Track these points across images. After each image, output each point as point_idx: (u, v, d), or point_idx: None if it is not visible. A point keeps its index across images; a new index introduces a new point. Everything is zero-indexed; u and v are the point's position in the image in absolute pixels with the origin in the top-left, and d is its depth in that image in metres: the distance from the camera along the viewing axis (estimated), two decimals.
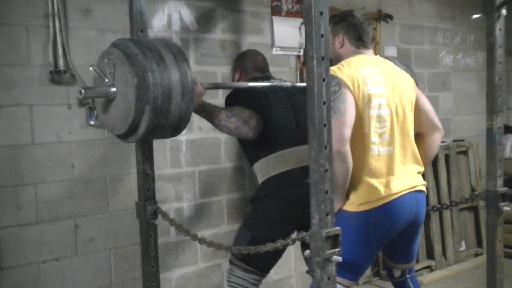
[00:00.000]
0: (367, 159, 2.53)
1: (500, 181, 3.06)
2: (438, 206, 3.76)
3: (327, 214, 1.93)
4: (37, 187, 3.24)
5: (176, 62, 2.24)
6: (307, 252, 1.97)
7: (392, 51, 5.25)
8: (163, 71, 2.17)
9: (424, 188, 2.73)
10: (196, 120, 3.86)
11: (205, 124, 3.91)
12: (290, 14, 4.40)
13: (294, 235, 2.19)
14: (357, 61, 2.62)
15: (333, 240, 1.95)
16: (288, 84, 3.03)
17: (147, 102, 2.13)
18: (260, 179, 3.10)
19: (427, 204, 4.89)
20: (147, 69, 2.12)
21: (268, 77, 3.23)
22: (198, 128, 3.89)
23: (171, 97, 2.19)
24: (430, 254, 5.11)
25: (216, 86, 2.90)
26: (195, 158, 3.88)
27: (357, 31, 2.70)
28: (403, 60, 3.35)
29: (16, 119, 3.16)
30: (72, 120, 3.34)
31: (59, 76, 3.25)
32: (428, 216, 5.08)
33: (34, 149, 3.22)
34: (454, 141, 5.63)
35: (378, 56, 2.83)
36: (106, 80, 2.28)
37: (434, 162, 5.21)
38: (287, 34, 4.38)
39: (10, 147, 3.15)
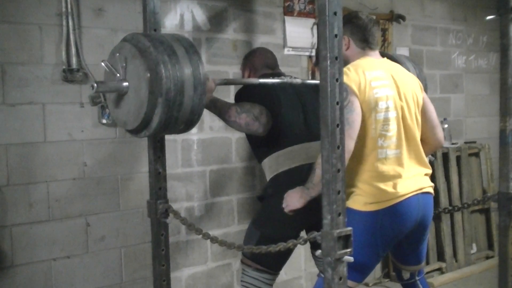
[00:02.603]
0: (374, 162, 2.52)
1: None
2: (449, 208, 3.75)
3: (339, 214, 1.93)
4: (49, 185, 3.26)
5: (188, 55, 2.23)
6: (319, 252, 1.97)
7: (404, 52, 5.23)
8: (175, 64, 2.16)
9: (431, 190, 2.72)
10: (207, 119, 3.87)
11: (216, 124, 3.91)
12: (302, 14, 4.40)
13: (304, 234, 2.19)
14: (363, 64, 2.61)
15: (345, 241, 1.94)
16: (298, 81, 3.01)
17: (159, 95, 2.13)
18: (269, 176, 3.09)
19: (438, 206, 4.92)
20: (159, 62, 2.12)
21: (278, 74, 3.22)
22: (209, 127, 3.90)
23: (184, 90, 2.18)
24: (440, 256, 5.09)
25: (226, 82, 2.89)
26: (206, 157, 3.88)
27: (362, 33, 2.69)
28: (413, 59, 3.34)
29: (28, 117, 3.18)
30: (84, 119, 3.36)
31: (72, 74, 3.27)
32: (439, 218, 5.07)
33: (46, 147, 3.24)
34: (465, 143, 5.60)
35: (385, 58, 2.80)
36: (118, 75, 2.28)
37: (446, 164, 5.20)
38: (299, 34, 4.38)
39: (23, 145, 3.16)
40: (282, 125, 2.99)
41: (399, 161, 2.56)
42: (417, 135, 2.69)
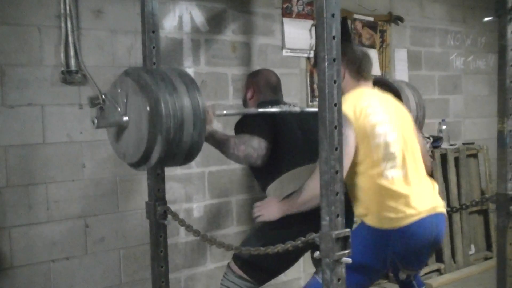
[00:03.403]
0: (382, 184, 2.52)
1: (510, 184, 3.04)
2: (448, 209, 3.74)
3: (338, 216, 1.93)
4: (48, 186, 3.26)
5: (189, 92, 2.23)
6: (317, 253, 1.97)
7: (402, 53, 5.25)
8: (176, 102, 2.16)
9: (444, 210, 2.72)
10: None
11: (216, 124, 3.91)
12: (300, 16, 4.41)
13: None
14: (358, 94, 2.65)
15: (343, 242, 1.95)
16: (297, 109, 3.03)
17: (159, 133, 2.13)
18: None
19: None
20: (159, 100, 2.12)
21: (278, 100, 3.23)
22: None
23: (183, 127, 2.19)
24: (439, 257, 5.10)
25: (226, 113, 2.91)
26: (205, 159, 3.88)
27: (357, 65, 2.73)
28: (413, 86, 3.36)
29: (28, 119, 3.18)
30: (83, 120, 3.36)
31: (71, 76, 3.27)
32: None
33: (46, 148, 3.24)
34: (464, 144, 5.61)
35: (376, 89, 2.85)
36: (119, 109, 2.28)
37: (444, 165, 5.20)
38: (298, 35, 4.39)
39: (22, 146, 3.17)
40: (283, 150, 2.99)
41: (406, 181, 2.56)
42: (419, 154, 2.72)
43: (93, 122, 2.26)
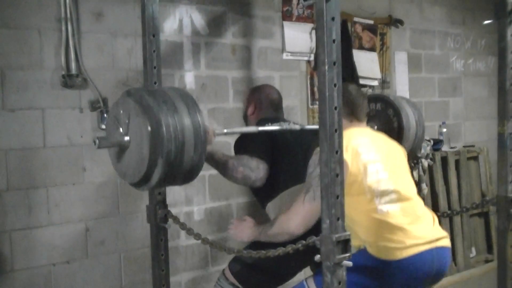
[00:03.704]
0: (377, 218, 2.49)
1: (511, 187, 3.04)
2: (448, 212, 3.75)
3: (338, 219, 1.93)
4: (49, 190, 3.26)
5: (190, 114, 2.23)
6: (317, 256, 1.97)
7: (402, 56, 5.25)
8: (177, 124, 2.17)
9: (447, 242, 2.68)
10: (206, 124, 3.87)
11: (216, 127, 3.91)
12: (300, 19, 4.41)
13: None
14: (349, 134, 2.61)
15: (344, 245, 1.95)
16: (297, 127, 3.03)
17: (160, 156, 2.14)
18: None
19: (437, 209, 4.92)
20: (162, 123, 2.13)
21: (279, 118, 3.22)
22: None
23: (184, 150, 2.19)
24: None
25: (226, 133, 2.91)
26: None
27: (350, 107, 2.72)
28: (414, 104, 3.35)
29: (28, 122, 3.18)
30: (83, 124, 3.36)
31: (71, 79, 3.27)
32: (438, 221, 5.06)
33: (46, 152, 3.25)
34: (464, 146, 5.61)
35: (368, 128, 2.85)
36: (121, 129, 2.29)
37: (445, 168, 5.20)
38: (298, 38, 4.39)
39: (22, 150, 3.17)
40: (281, 168, 2.99)
41: (403, 214, 2.53)
42: (414, 190, 2.71)
43: (94, 142, 2.27)
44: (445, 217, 4.97)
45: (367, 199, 2.50)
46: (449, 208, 5.13)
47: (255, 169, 2.88)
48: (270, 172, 2.93)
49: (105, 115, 3.38)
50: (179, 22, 3.77)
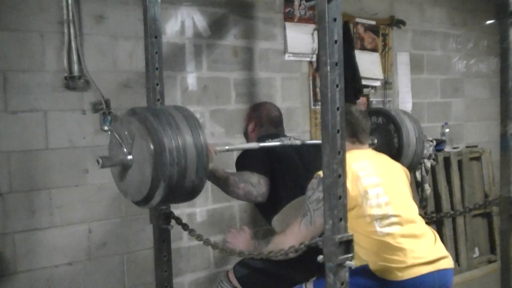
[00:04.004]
0: (378, 239, 2.48)
1: None
2: (451, 212, 3.75)
3: (340, 219, 1.93)
4: (51, 192, 3.26)
5: (194, 137, 2.22)
6: (320, 257, 1.97)
7: (404, 57, 5.25)
8: (181, 148, 2.18)
9: (450, 263, 2.66)
10: (208, 125, 3.88)
11: (218, 130, 3.93)
12: (302, 20, 4.41)
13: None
14: (350, 157, 2.59)
15: (346, 246, 1.94)
16: (298, 142, 3.03)
17: (162, 179, 2.15)
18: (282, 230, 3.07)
19: (440, 210, 4.91)
20: (165, 147, 2.13)
21: (279, 134, 3.23)
22: (210, 133, 3.90)
23: (186, 173, 2.21)
24: None
25: (228, 149, 2.92)
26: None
27: (353, 129, 2.73)
28: (412, 116, 3.34)
29: (30, 124, 3.19)
30: (85, 126, 3.37)
31: (73, 81, 3.28)
32: (441, 222, 5.07)
33: (48, 154, 3.25)
34: (467, 147, 5.61)
35: (370, 149, 2.85)
36: (124, 149, 2.29)
37: (447, 168, 5.20)
38: (300, 40, 4.39)
39: (24, 152, 3.17)
40: (284, 183, 2.98)
41: (404, 236, 2.52)
42: (416, 211, 2.69)
43: (98, 162, 2.27)
44: (448, 218, 4.97)
45: (367, 222, 2.49)
46: (452, 208, 5.13)
47: (257, 184, 2.89)
48: (272, 187, 2.94)
49: (107, 116, 3.39)
50: (181, 24, 3.77)
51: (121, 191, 2.44)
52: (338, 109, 1.91)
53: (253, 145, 3.01)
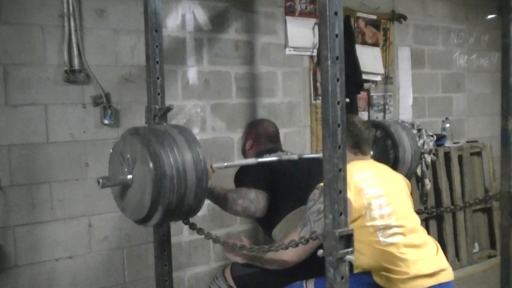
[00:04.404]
0: (381, 249, 2.49)
1: None
2: (452, 207, 3.75)
3: (341, 214, 1.93)
4: (52, 185, 3.27)
5: (195, 163, 2.23)
6: (320, 251, 1.97)
7: (405, 51, 5.24)
8: (181, 175, 2.19)
9: (450, 275, 2.67)
10: (209, 120, 3.88)
11: (218, 124, 3.93)
12: (303, 14, 4.40)
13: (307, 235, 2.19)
14: (352, 168, 2.58)
15: (346, 240, 1.94)
16: (295, 156, 3.04)
17: (161, 205, 2.18)
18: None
19: (440, 205, 4.91)
20: (166, 174, 2.14)
21: (276, 149, 3.23)
22: (211, 128, 3.90)
23: (185, 200, 2.23)
24: None
25: (226, 166, 2.92)
26: (208, 157, 3.88)
27: (355, 140, 2.73)
28: (411, 133, 3.34)
29: (31, 118, 3.19)
30: (86, 119, 3.37)
31: (74, 75, 3.28)
32: (441, 217, 5.07)
33: (49, 148, 3.25)
34: (467, 142, 5.60)
35: (371, 160, 2.85)
36: (126, 168, 2.30)
37: (448, 163, 5.19)
38: (301, 34, 4.38)
39: (25, 146, 3.17)
40: (283, 195, 2.98)
41: (406, 246, 2.53)
42: (417, 221, 2.70)
43: (98, 182, 2.28)
44: (448, 213, 4.97)
45: (370, 232, 2.50)
46: (452, 203, 5.13)
47: (255, 200, 2.90)
48: (271, 200, 2.94)
49: (108, 110, 3.39)
50: (181, 18, 3.77)
51: (119, 207, 2.47)
52: (338, 103, 1.90)
53: (251, 160, 3.02)
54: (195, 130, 3.82)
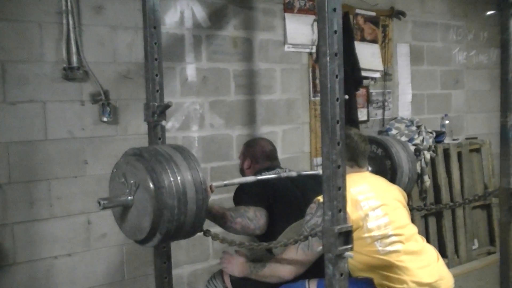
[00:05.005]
0: (380, 258, 2.49)
1: None
2: (451, 204, 3.73)
3: (340, 211, 1.93)
4: (50, 183, 3.26)
5: (196, 194, 2.23)
6: (319, 248, 1.97)
7: (404, 48, 5.24)
8: (182, 207, 2.19)
9: (450, 283, 2.67)
10: (207, 117, 3.88)
11: (217, 121, 3.92)
12: (302, 11, 4.39)
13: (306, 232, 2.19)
14: (348, 181, 2.59)
15: (345, 237, 1.94)
16: (293, 173, 3.06)
17: (159, 232, 2.20)
18: None
19: (439, 201, 4.91)
20: (168, 205, 2.15)
21: (274, 167, 3.25)
22: (210, 125, 3.90)
23: (183, 228, 2.25)
24: (442, 252, 5.08)
25: (225, 185, 2.92)
26: (207, 154, 3.88)
27: (352, 153, 2.73)
28: (408, 150, 3.33)
29: (29, 115, 3.18)
30: (84, 117, 3.36)
31: (72, 72, 3.27)
32: (440, 214, 5.07)
33: (47, 145, 3.24)
34: (466, 138, 5.60)
35: (367, 172, 2.85)
36: (127, 190, 2.30)
37: (447, 160, 5.20)
38: (299, 31, 4.38)
39: (23, 143, 3.17)
40: (282, 211, 2.98)
41: (405, 255, 2.53)
42: (413, 229, 2.70)
43: (99, 203, 2.28)
44: (448, 209, 4.98)
45: (368, 243, 2.50)
46: (451, 200, 5.13)
47: (253, 218, 2.90)
48: (270, 217, 2.94)
49: (106, 108, 3.38)
50: (180, 15, 3.76)
51: (119, 226, 2.47)
52: (337, 99, 1.90)
53: (251, 178, 3.03)
54: (194, 127, 3.81)
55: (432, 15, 5.47)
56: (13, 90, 3.12)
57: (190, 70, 3.82)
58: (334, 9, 1.88)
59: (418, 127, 4.93)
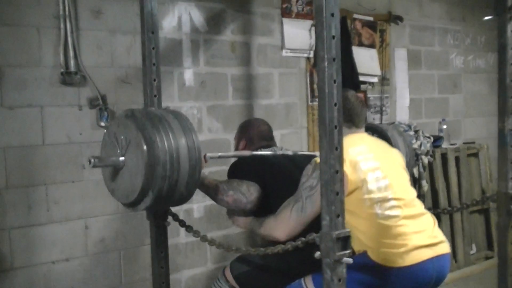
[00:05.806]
0: (378, 223, 2.48)
1: (511, 183, 3.04)
2: (449, 208, 3.74)
3: (338, 216, 1.92)
4: (48, 187, 3.26)
5: (189, 152, 2.22)
6: (317, 253, 1.96)
7: (402, 52, 5.25)
8: (175, 163, 2.17)
9: (447, 248, 2.67)
10: (205, 121, 3.87)
11: (215, 125, 3.92)
12: (300, 15, 4.40)
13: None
14: (346, 141, 2.59)
15: (344, 242, 1.94)
16: (290, 152, 3.05)
17: (151, 190, 2.17)
18: None
19: (437, 206, 4.91)
20: (159, 161, 2.12)
21: (270, 146, 3.23)
22: (208, 129, 3.90)
23: (176, 187, 2.22)
24: None
25: (219, 156, 2.91)
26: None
27: (349, 115, 2.73)
28: (404, 135, 3.34)
29: (27, 119, 3.18)
30: (82, 121, 3.36)
31: (70, 77, 3.27)
32: (438, 218, 5.05)
33: (45, 149, 3.24)
34: (464, 143, 5.60)
35: (366, 133, 2.85)
36: (118, 150, 2.28)
37: (445, 165, 5.20)
38: (297, 35, 4.38)
39: (21, 147, 3.16)
40: (278, 188, 2.97)
41: (403, 219, 2.52)
42: (414, 194, 2.71)
43: (89, 161, 2.26)
44: (445, 214, 4.96)
45: (367, 206, 2.49)
46: (449, 204, 5.13)
47: (246, 192, 2.88)
48: (265, 194, 2.93)
49: (104, 112, 3.38)
50: (178, 19, 3.76)
51: (109, 190, 2.43)
52: (335, 104, 1.90)
53: (246, 152, 3.02)
54: None
55: (430, 20, 5.48)
56: (11, 94, 3.12)
57: (188, 75, 3.82)
58: (332, 14, 1.89)
59: (416, 132, 4.93)
